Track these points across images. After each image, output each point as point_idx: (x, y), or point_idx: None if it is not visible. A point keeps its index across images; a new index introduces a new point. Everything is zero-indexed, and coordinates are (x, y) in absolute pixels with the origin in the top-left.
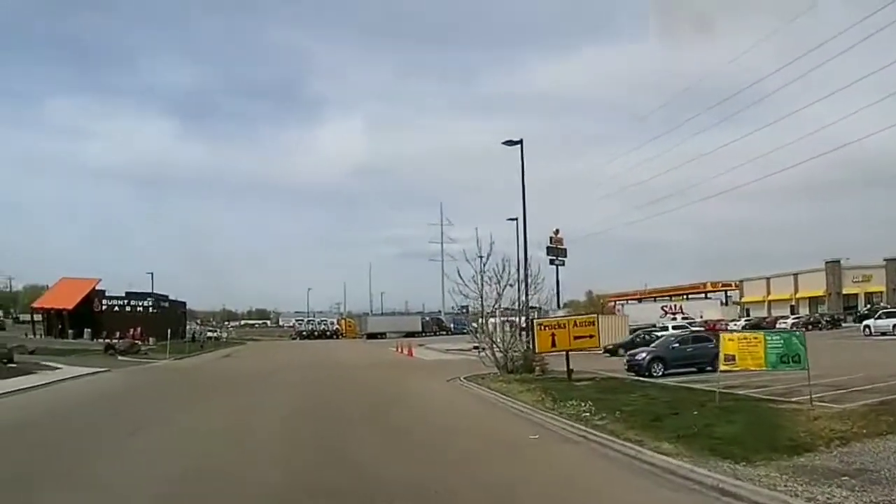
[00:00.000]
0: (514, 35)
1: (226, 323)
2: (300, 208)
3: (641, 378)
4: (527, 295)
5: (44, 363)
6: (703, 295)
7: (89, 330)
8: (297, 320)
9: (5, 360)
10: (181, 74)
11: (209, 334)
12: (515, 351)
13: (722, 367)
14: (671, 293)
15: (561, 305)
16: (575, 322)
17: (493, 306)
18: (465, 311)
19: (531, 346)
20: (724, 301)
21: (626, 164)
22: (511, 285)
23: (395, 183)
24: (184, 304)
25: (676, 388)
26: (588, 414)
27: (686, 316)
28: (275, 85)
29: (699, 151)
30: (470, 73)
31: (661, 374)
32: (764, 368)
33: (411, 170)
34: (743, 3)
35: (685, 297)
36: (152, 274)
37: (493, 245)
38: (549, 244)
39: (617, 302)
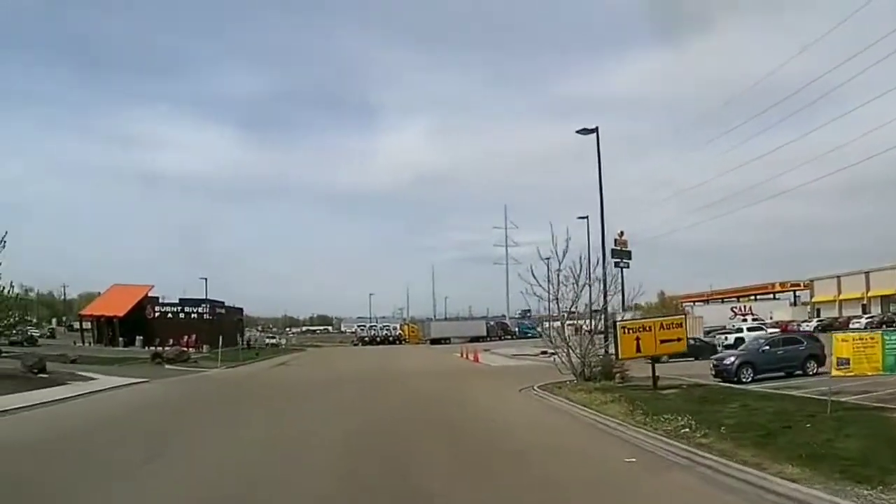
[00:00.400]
0: (576, 38)
1: (287, 329)
2: (363, 214)
3: (731, 384)
4: (605, 295)
5: (80, 373)
6: (771, 296)
7: (141, 337)
8: (359, 326)
9: (35, 371)
10: (245, 84)
11: (268, 341)
12: (593, 356)
13: (834, 373)
14: (738, 294)
15: (625, 308)
16: (661, 324)
17: (570, 308)
18: (527, 314)
19: (608, 351)
20: (792, 301)
21: (688, 165)
22: (589, 285)
23: (458, 188)
24: (241, 310)
25: (776, 397)
26: (688, 429)
27: (756, 317)
28: (337, 92)
29: (761, 151)
30: (532, 78)
31: (750, 379)
32: (881, 373)
33: (474, 175)
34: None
35: (753, 297)
36: (206, 279)
37: (569, 241)
38: (613, 246)
39: (684, 304)
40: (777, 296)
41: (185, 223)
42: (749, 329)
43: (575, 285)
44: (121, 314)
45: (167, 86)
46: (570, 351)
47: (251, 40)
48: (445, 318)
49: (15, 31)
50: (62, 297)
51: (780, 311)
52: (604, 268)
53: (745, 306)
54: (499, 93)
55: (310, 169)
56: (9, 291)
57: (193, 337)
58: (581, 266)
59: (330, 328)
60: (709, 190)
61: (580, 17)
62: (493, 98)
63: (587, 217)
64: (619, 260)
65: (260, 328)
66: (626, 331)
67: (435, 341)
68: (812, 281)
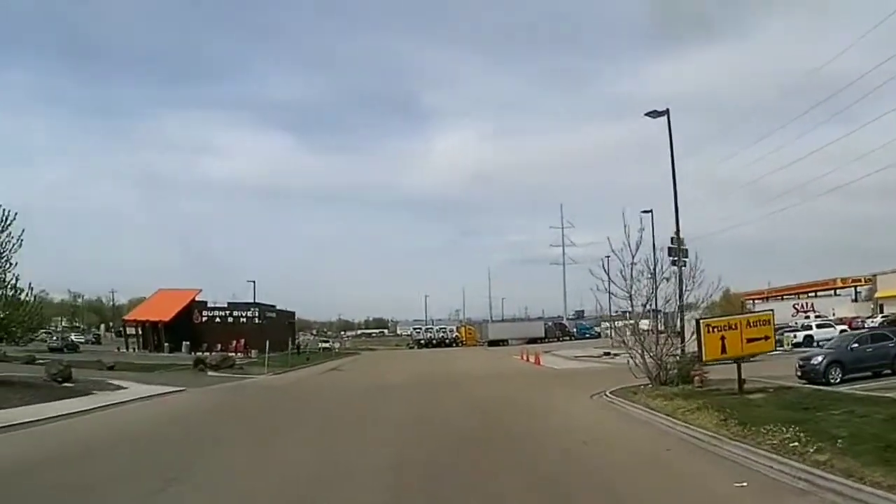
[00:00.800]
0: (629, 38)
1: (342, 333)
2: (418, 216)
3: (820, 387)
4: (680, 291)
5: (112, 381)
6: (831, 292)
7: (187, 343)
8: (414, 328)
9: (60, 380)
10: (298, 88)
11: (322, 345)
12: (669, 358)
13: None
14: (797, 291)
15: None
16: (748, 322)
17: (645, 304)
18: (580, 315)
19: (684, 351)
20: (854, 297)
21: (741, 162)
22: (667, 279)
23: (511, 189)
24: (292, 314)
25: (881, 401)
26: (796, 443)
27: (818, 314)
28: (391, 95)
29: (814, 147)
30: (586, 77)
31: (838, 380)
32: None
33: (527, 176)
34: None
35: (814, 294)
36: (254, 282)
37: (642, 232)
38: (670, 244)
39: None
40: (837, 292)
41: (239, 229)
42: (818, 326)
43: (651, 280)
44: (166, 319)
45: (219, 91)
46: (645, 352)
47: (303, 44)
48: (503, 320)
49: (72, 39)
50: (111, 302)
51: (842, 307)
52: (678, 262)
53: (806, 303)
54: (552, 93)
55: (364, 172)
56: (27, 295)
57: (242, 342)
58: (657, 259)
59: (385, 331)
60: (763, 186)
61: (631, 16)
62: (547, 99)
63: (651, 211)
64: (675, 258)
65: (314, 332)
66: (711, 329)
67: (492, 343)
68: (875, 276)
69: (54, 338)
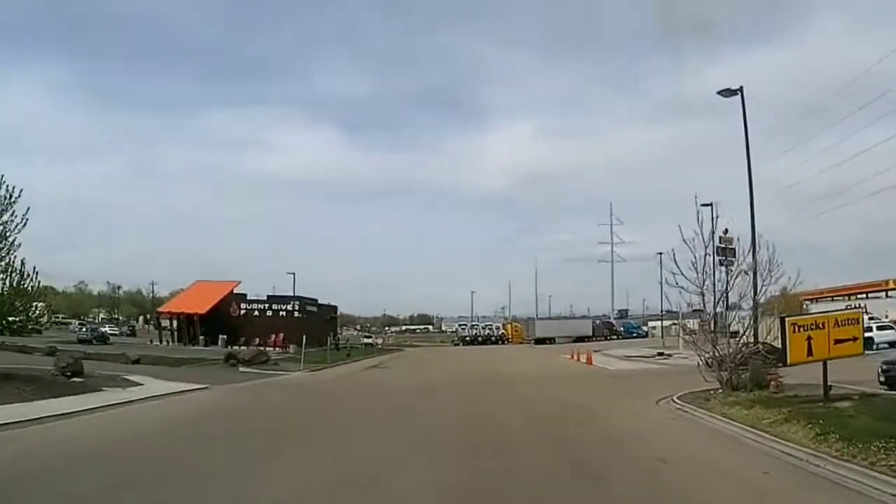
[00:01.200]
0: (678, 40)
1: (386, 328)
2: (465, 214)
3: None
4: (755, 287)
5: (127, 377)
6: (883, 293)
7: (224, 337)
8: (459, 325)
9: (69, 374)
10: (350, 85)
11: (364, 341)
12: (751, 357)
13: None
14: (847, 292)
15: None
16: (836, 321)
17: (719, 300)
18: (624, 314)
19: (757, 352)
20: None
21: (786, 164)
22: (746, 272)
23: (558, 188)
24: (334, 308)
25: None
26: None
27: (872, 315)
28: (442, 94)
29: (858, 149)
30: (637, 79)
31: None
32: None
33: (574, 175)
34: None
35: (865, 295)
36: (294, 275)
37: (717, 220)
38: (717, 244)
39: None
40: (889, 293)
41: (286, 224)
42: (878, 328)
43: (727, 273)
44: (201, 311)
45: (270, 87)
46: (716, 352)
47: (357, 42)
48: (548, 317)
49: (129, 37)
50: (151, 294)
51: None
52: (754, 253)
53: (858, 304)
54: (603, 93)
55: (412, 169)
56: (29, 281)
57: (281, 336)
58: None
59: (430, 327)
60: (809, 188)
61: (682, 18)
62: (597, 98)
63: (711, 204)
64: (723, 258)
65: (358, 327)
66: (797, 328)
67: (539, 341)
68: None
69: (83, 329)
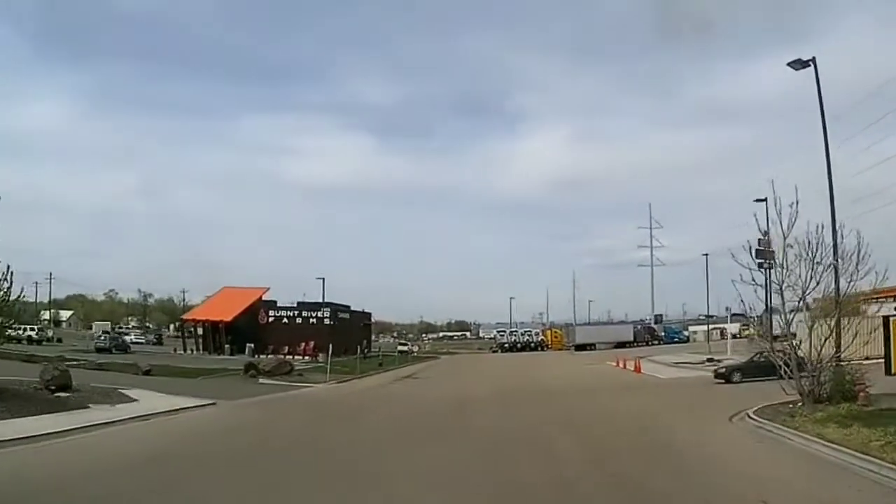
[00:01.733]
0: (714, 42)
1: (423, 335)
2: (501, 220)
3: None
4: (837, 283)
5: (124, 392)
6: None
7: (251, 345)
8: (498, 331)
9: (53, 388)
10: (383, 91)
11: (400, 348)
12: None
13: None
14: (889, 294)
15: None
16: None
17: (799, 300)
18: (659, 319)
19: (840, 360)
20: None
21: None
22: (833, 265)
23: (594, 193)
24: (368, 315)
25: None
26: None
27: None
28: (476, 99)
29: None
30: (672, 84)
31: None
32: None
33: (611, 180)
34: None
35: None
36: (323, 280)
37: (796, 206)
38: (757, 246)
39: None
40: None
41: (320, 230)
42: None
43: (811, 268)
44: (227, 319)
45: (303, 93)
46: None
47: (390, 47)
48: (588, 323)
49: (165, 44)
50: (182, 302)
51: None
52: (834, 244)
53: None
54: (637, 97)
55: (448, 175)
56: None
57: (311, 344)
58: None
59: (468, 334)
60: (847, 188)
61: (715, 22)
62: (632, 102)
63: (766, 199)
64: (763, 261)
65: (395, 334)
66: None
67: (579, 347)
68: None
69: (102, 337)
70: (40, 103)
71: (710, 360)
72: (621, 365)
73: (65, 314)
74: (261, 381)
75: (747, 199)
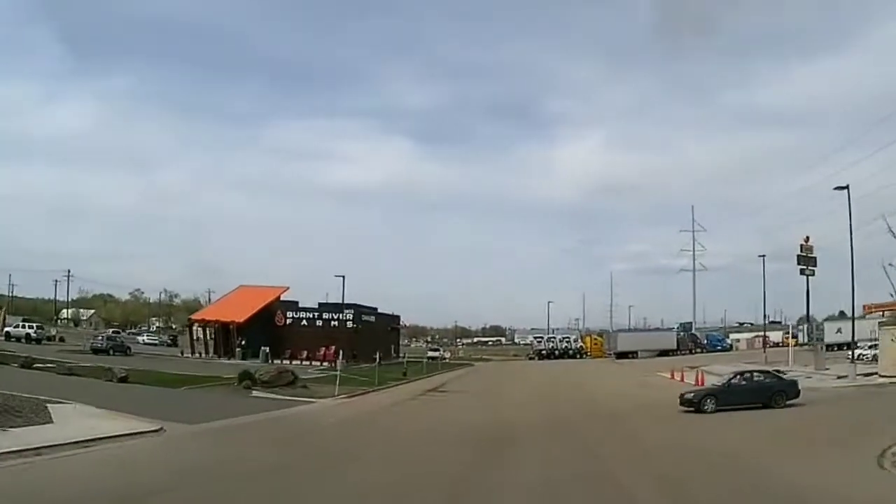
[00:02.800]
0: (752, 48)
1: (457, 340)
2: (536, 225)
3: None
4: None
5: (49, 405)
6: None
7: (266, 349)
8: (535, 337)
9: None
10: (420, 95)
11: (430, 354)
12: None
13: None
14: None
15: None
16: None
17: None
18: (688, 326)
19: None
20: None
21: (863, 171)
22: None
23: (631, 199)
24: (397, 318)
25: None
26: None
27: None
28: (513, 104)
29: None
30: (709, 89)
31: None
32: None
33: (647, 186)
34: None
35: None
36: (343, 278)
37: None
38: (799, 252)
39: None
40: None
41: (356, 235)
42: None
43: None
44: (239, 320)
45: (342, 98)
46: None
47: (428, 54)
48: (629, 329)
49: (205, 52)
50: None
51: None
52: None
53: None
54: (674, 103)
55: (485, 180)
56: None
57: (332, 349)
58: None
59: (503, 339)
60: (885, 196)
61: (763, 28)
62: (669, 108)
63: (847, 187)
64: (804, 267)
65: (428, 339)
66: None
67: (621, 355)
68: None
69: (99, 338)
70: (76, 107)
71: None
72: (678, 377)
73: (86, 313)
74: (254, 393)
75: (779, 205)
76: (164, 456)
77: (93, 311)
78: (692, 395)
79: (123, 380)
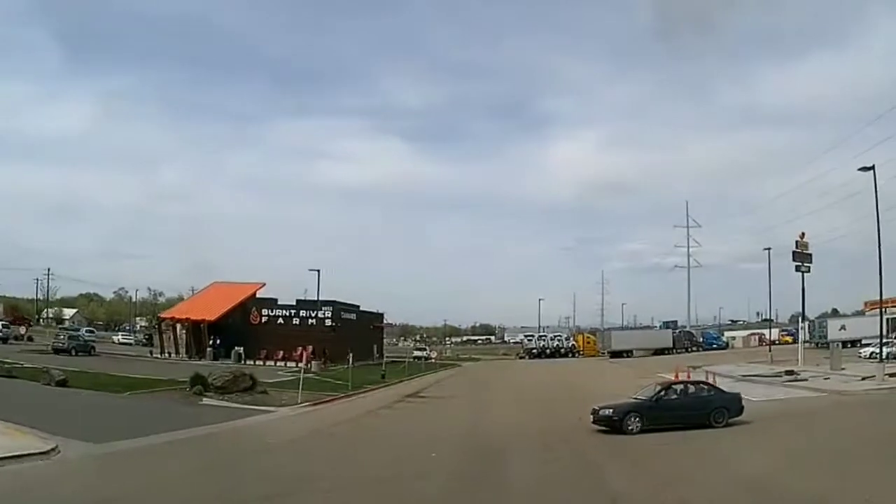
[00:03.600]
0: (747, 47)
1: (446, 339)
2: (527, 224)
3: None
4: None
5: None
6: None
7: (239, 349)
8: (525, 336)
9: None
10: (415, 94)
11: (416, 354)
12: None
13: None
14: None
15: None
16: None
17: None
18: (674, 325)
19: None
20: None
21: (852, 171)
22: None
23: (623, 198)
24: (380, 315)
25: None
26: None
27: None
28: (508, 104)
29: None
30: (704, 88)
31: None
32: None
33: (640, 185)
34: None
35: None
36: (318, 272)
37: None
38: (794, 249)
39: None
40: None
41: (347, 234)
42: None
43: None
44: (210, 318)
45: (336, 99)
46: None
47: (423, 53)
48: (622, 327)
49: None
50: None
51: None
52: None
53: None
54: (669, 103)
55: (477, 179)
56: None
57: (310, 349)
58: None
59: (492, 338)
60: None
61: (759, 27)
62: (663, 108)
63: (873, 167)
64: (800, 263)
65: (417, 338)
66: None
67: (615, 354)
68: None
69: (61, 336)
70: (71, 106)
71: (788, 373)
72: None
73: (69, 312)
74: (205, 401)
75: (772, 204)
76: (28, 492)
77: (76, 310)
78: (611, 410)
79: (62, 383)
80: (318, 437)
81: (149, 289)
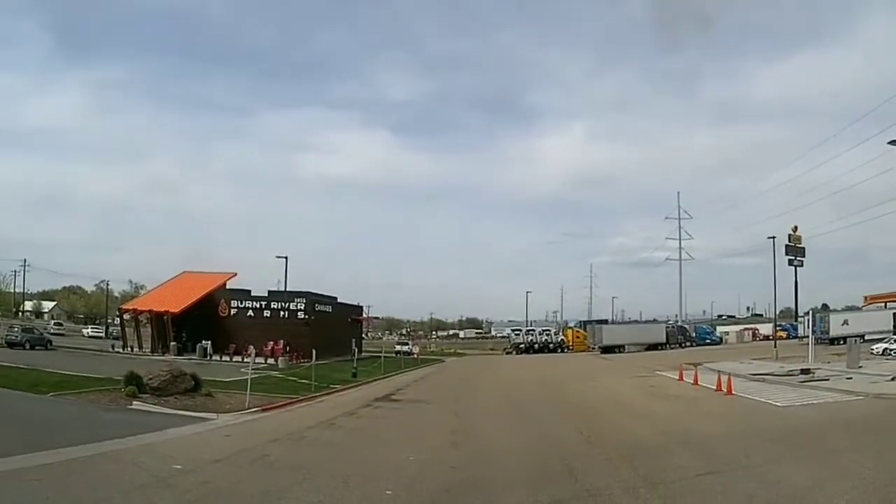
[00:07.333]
0: (738, 42)
1: (432, 333)
2: (515, 217)
3: None
4: None
5: None
6: None
7: (206, 343)
8: (513, 330)
9: None
10: (402, 87)
11: (398, 348)
12: None
13: None
14: None
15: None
16: None
17: None
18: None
19: None
20: None
21: (840, 167)
22: None
23: (613, 193)
24: (359, 308)
25: None
26: None
27: None
28: (495, 97)
29: None
30: (693, 82)
31: None
32: None
33: (630, 180)
34: None
35: None
36: (286, 258)
37: None
38: (787, 243)
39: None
40: None
41: (334, 227)
42: None
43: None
44: (175, 310)
45: (322, 90)
46: None
47: (410, 43)
48: (614, 321)
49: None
50: None
51: None
52: None
53: None
54: (658, 96)
55: (465, 172)
56: None
57: (280, 344)
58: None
59: (478, 332)
60: (859, 193)
61: (749, 22)
62: (653, 102)
63: None
64: (793, 257)
65: (403, 332)
66: None
67: (606, 349)
68: None
69: (15, 329)
70: (59, 98)
71: (804, 371)
72: (692, 379)
73: (48, 305)
74: (135, 404)
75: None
76: None
77: (54, 302)
78: None
79: None
80: (239, 462)
81: (130, 281)
